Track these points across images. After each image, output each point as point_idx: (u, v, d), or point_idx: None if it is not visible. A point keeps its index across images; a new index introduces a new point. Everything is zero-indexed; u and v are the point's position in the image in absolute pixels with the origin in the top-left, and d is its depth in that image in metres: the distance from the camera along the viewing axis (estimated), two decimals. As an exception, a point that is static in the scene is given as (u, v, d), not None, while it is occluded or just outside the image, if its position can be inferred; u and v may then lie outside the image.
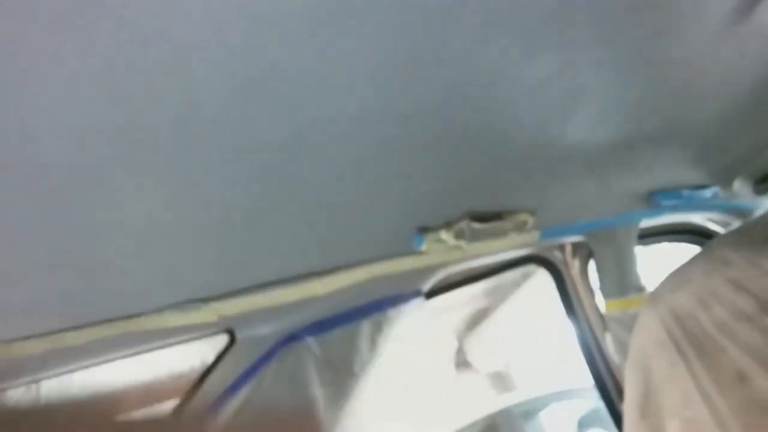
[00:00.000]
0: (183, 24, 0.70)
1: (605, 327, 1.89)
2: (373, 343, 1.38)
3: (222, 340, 1.35)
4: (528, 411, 5.21)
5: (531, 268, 2.01)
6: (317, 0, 0.79)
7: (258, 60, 0.83)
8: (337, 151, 1.14)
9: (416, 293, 1.47)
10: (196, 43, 0.74)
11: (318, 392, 1.28)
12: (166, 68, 0.74)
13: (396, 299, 1.44)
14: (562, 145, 1.54)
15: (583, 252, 1.93)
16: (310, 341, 1.33)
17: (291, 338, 1.33)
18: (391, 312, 1.42)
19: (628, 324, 1.56)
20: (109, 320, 1.15)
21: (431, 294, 1.63)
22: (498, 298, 6.55)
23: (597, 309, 1.93)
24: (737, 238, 1.43)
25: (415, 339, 1.45)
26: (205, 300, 1.22)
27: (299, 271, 1.29)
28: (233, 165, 1.01)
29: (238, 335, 1.31)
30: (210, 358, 1.35)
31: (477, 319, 6.95)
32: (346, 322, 1.37)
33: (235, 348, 1.33)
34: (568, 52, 1.24)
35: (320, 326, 1.35)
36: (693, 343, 1.29)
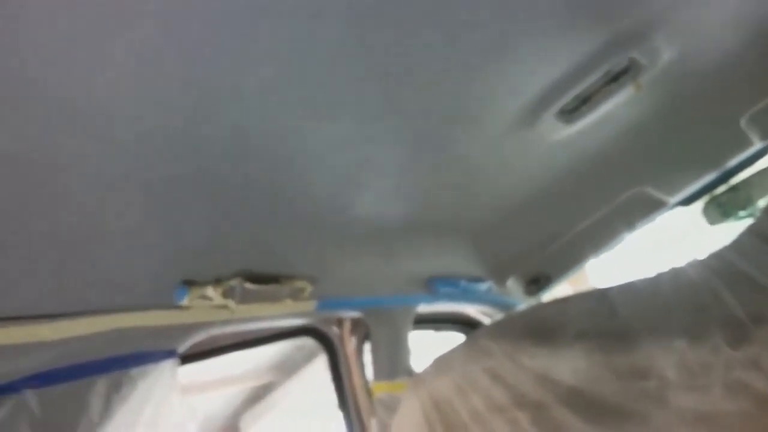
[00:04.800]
0: None
1: (372, 411, 1.85)
2: (108, 404, 1.19)
3: None
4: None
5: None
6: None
7: None
8: (96, 178, 1.01)
9: (169, 354, 1.32)
10: None
11: (25, 459, 1.06)
12: None
13: (144, 357, 1.27)
14: (348, 217, 1.52)
15: (361, 330, 1.90)
16: (29, 395, 1.11)
17: (5, 389, 1.11)
18: (136, 371, 1.25)
19: (394, 408, 1.53)
20: None
21: (190, 358, 1.49)
22: (284, 373, 6.36)
23: (366, 391, 1.89)
24: (498, 330, 1.47)
25: (159, 405, 1.29)
26: None
27: (26, 309, 1.09)
28: None
29: None
30: None
31: (258, 395, 6.68)
32: (79, 377, 1.18)
33: (-70, 393, 1.08)
34: (360, 126, 1.23)
35: (45, 378, 1.14)
36: (447, 429, 1.28)
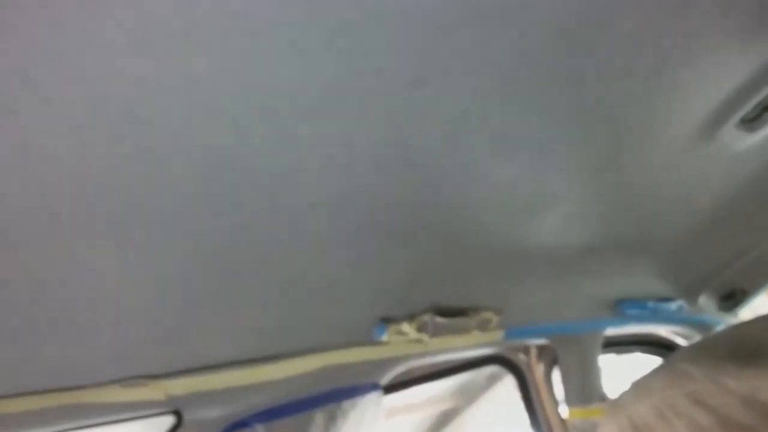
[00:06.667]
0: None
1: (567, 436, 1.85)
2: (326, 434, 1.33)
3: (168, 421, 1.30)
4: None
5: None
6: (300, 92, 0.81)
7: (235, 147, 0.85)
8: (307, 237, 1.15)
9: (374, 386, 1.44)
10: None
11: (262, 484, 1.22)
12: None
13: (352, 391, 1.40)
14: (531, 246, 1.55)
15: (549, 356, 1.91)
16: (260, 429, 1.28)
17: (239, 424, 1.28)
18: (347, 404, 1.37)
19: (590, 433, 1.53)
20: (48, 390, 1.10)
21: (390, 389, 1.60)
22: (466, 399, 6.37)
23: (559, 416, 1.89)
24: (698, 352, 1.42)
25: (369, 434, 1.41)
26: (154, 377, 1.18)
27: (254, 353, 1.26)
28: (196, 242, 1.00)
29: (186, 417, 1.26)
30: (153, 439, 1.29)
31: (443, 420, 6.74)
32: (299, 411, 1.32)
33: (180, 431, 1.27)
34: (538, 157, 1.27)
35: (272, 413, 1.30)
36: (651, 456, 1.26)
